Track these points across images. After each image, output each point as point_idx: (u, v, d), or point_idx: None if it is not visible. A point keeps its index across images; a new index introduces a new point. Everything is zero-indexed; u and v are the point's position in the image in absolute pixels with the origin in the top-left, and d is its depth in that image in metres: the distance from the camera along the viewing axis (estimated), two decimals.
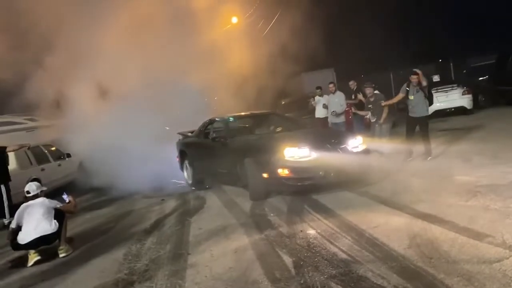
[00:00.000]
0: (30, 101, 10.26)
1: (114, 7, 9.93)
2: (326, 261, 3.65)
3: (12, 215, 5.80)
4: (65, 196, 5.53)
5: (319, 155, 6.02)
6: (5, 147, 7.38)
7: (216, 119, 8.34)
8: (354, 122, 10.06)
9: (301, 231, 4.60)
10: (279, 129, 7.80)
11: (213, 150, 7.60)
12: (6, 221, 6.78)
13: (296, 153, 6.04)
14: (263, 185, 6.29)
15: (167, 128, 9.41)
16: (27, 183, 5.55)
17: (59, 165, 10.04)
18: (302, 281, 3.34)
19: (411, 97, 7.69)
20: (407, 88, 7.76)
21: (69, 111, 10.24)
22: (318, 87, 10.74)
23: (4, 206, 6.98)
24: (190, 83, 10.30)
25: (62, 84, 10.05)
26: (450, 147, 8.45)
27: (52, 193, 6.44)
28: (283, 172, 5.98)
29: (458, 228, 3.94)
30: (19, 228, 5.01)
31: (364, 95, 8.95)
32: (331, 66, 19.60)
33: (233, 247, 4.39)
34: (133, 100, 9.56)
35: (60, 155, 10.26)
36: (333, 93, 10.05)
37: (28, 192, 5.22)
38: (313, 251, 3.94)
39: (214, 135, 7.81)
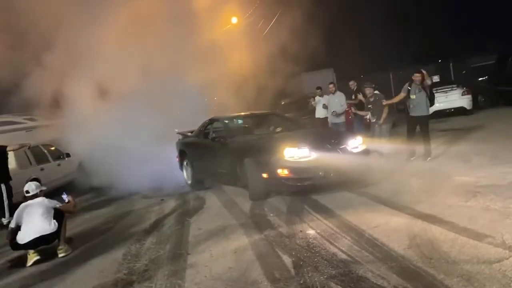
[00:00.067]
0: (29, 101, 10.26)
1: (114, 7, 9.92)
2: (325, 261, 3.65)
3: (12, 214, 5.79)
4: (64, 196, 5.52)
5: (318, 156, 6.02)
6: (6, 146, 7.39)
7: (216, 119, 8.34)
8: (354, 122, 10.06)
9: (301, 231, 4.59)
10: (279, 129, 7.79)
11: (213, 150, 7.60)
12: (5, 221, 6.77)
13: (295, 153, 6.04)
14: (263, 185, 6.29)
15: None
16: (27, 182, 5.55)
17: (59, 165, 10.04)
18: (301, 281, 3.33)
19: (412, 97, 7.68)
20: (409, 88, 7.75)
21: (68, 110, 10.24)
22: (318, 87, 10.75)
23: (4, 206, 6.98)
24: (190, 83, 10.29)
25: (61, 84, 10.03)
26: (450, 147, 8.44)
27: (52, 193, 6.45)
28: (282, 172, 5.98)
29: (458, 229, 3.94)
30: (18, 227, 5.00)
31: (364, 95, 8.95)
32: (331, 66, 19.61)
33: (233, 247, 4.38)
34: (132, 100, 9.55)
35: (60, 155, 10.25)
36: (333, 93, 10.05)
37: (27, 192, 5.22)
38: (313, 251, 3.94)
39: (214, 135, 7.81)
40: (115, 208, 7.74)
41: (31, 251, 4.97)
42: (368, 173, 6.35)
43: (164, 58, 10.14)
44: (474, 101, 14.34)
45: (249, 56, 11.77)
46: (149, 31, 10.41)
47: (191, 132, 8.96)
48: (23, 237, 4.91)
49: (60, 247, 5.06)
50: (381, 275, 3.21)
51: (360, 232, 4.24)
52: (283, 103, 13.54)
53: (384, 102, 8.20)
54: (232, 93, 11.45)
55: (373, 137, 8.11)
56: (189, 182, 8.67)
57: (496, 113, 13.31)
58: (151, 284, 3.79)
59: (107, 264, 4.54)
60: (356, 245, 3.90)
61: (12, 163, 7.96)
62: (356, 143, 6.67)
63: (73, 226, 6.16)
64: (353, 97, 10.04)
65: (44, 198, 5.22)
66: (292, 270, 3.58)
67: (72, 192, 6.42)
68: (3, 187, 7.05)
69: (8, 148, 7.44)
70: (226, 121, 8.09)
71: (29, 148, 8.41)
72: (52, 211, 5.09)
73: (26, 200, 5.17)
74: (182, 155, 8.98)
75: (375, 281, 3.13)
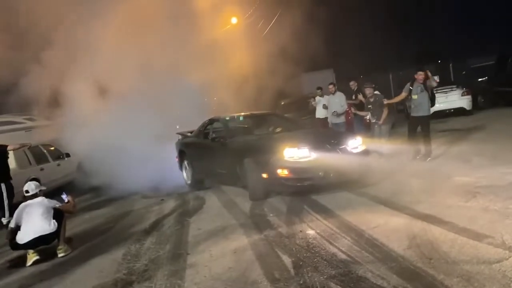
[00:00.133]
0: (28, 101, 10.26)
1: (114, 6, 9.91)
2: (325, 262, 3.65)
3: (11, 214, 5.78)
4: (64, 196, 5.52)
5: (318, 156, 6.02)
6: (6, 146, 7.39)
7: (216, 119, 8.33)
8: (354, 123, 10.06)
9: (301, 231, 4.59)
10: (278, 129, 7.80)
11: (212, 150, 7.60)
12: (5, 220, 6.76)
13: (295, 154, 6.04)
14: (263, 185, 6.29)
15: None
16: (26, 182, 5.54)
17: (58, 165, 10.03)
18: (301, 282, 3.33)
19: (414, 96, 7.66)
20: (411, 87, 7.73)
21: (68, 110, 10.23)
22: (319, 88, 10.76)
23: (4, 205, 6.98)
24: (190, 83, 10.29)
25: (61, 83, 10.02)
26: (449, 148, 8.44)
27: (51, 193, 6.44)
28: (282, 172, 5.98)
29: (457, 229, 3.94)
30: (18, 227, 5.00)
31: (364, 96, 8.95)
32: (331, 67, 19.62)
33: (233, 247, 4.38)
34: (132, 100, 9.55)
35: (59, 155, 10.24)
36: (333, 93, 10.06)
37: (27, 191, 5.21)
38: (313, 251, 3.94)
39: (214, 135, 7.81)
40: (115, 208, 7.74)
41: (30, 251, 4.96)
42: (367, 173, 6.35)
43: (164, 57, 10.14)
44: (474, 101, 14.35)
45: (249, 56, 11.77)
46: (149, 30, 10.40)
47: (191, 132, 8.96)
48: (22, 237, 4.91)
49: (59, 247, 5.06)
50: (381, 275, 3.20)
51: (360, 232, 4.23)
52: (283, 103, 13.54)
53: (386, 102, 8.20)
54: (232, 93, 11.45)
55: (373, 138, 8.11)
56: (189, 182, 8.67)
57: (496, 113, 13.32)
58: (150, 284, 3.79)
59: (106, 264, 4.54)
60: (356, 245, 3.90)
61: (11, 163, 7.95)
62: (355, 143, 6.67)
63: (73, 226, 6.16)
64: (354, 97, 10.05)
65: (43, 198, 5.21)
66: (292, 270, 3.58)
67: (72, 192, 6.41)
68: (3, 186, 7.04)
69: (8, 148, 7.44)
70: (226, 121, 8.08)
71: (29, 148, 8.41)
72: (52, 211, 5.08)
73: (26, 200, 5.16)
74: (181, 155, 8.98)
75: (375, 281, 3.13)
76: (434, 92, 7.90)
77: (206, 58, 10.83)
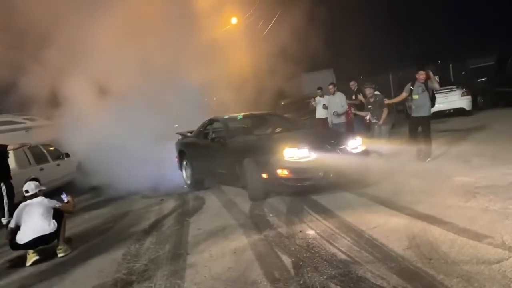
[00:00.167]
0: (28, 100, 10.25)
1: (114, 6, 9.91)
2: (325, 262, 3.65)
3: (11, 214, 5.78)
4: (64, 196, 5.52)
5: (318, 156, 6.01)
6: (6, 146, 7.38)
7: (216, 119, 8.33)
8: (354, 123, 10.06)
9: (300, 231, 4.59)
10: (278, 129, 7.80)
11: (212, 151, 7.60)
12: (5, 220, 6.75)
13: (295, 154, 6.04)
14: (263, 185, 6.29)
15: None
16: (26, 182, 5.54)
17: (58, 165, 10.03)
18: (301, 282, 3.33)
19: (415, 97, 7.64)
20: (411, 87, 7.72)
21: (68, 110, 10.23)
22: (319, 88, 10.78)
23: (3, 205, 6.98)
24: (190, 83, 10.30)
25: (61, 83, 10.03)
26: (449, 148, 8.44)
27: (51, 193, 6.44)
28: (282, 172, 5.97)
29: (457, 229, 3.94)
30: (18, 227, 5.00)
31: (364, 96, 8.95)
32: (331, 67, 19.63)
33: (232, 248, 4.38)
34: (132, 100, 9.55)
35: (59, 155, 10.25)
36: (333, 94, 10.06)
37: (26, 191, 5.21)
38: (313, 251, 3.94)
39: (214, 135, 7.81)
40: (115, 208, 7.73)
41: (30, 251, 4.96)
42: (367, 173, 6.35)
43: (164, 57, 10.14)
44: (474, 102, 14.36)
45: (249, 56, 11.78)
46: (149, 30, 10.41)
47: (191, 132, 8.96)
48: (22, 237, 4.90)
49: (59, 247, 5.06)
50: (380, 276, 3.21)
51: (360, 232, 4.23)
52: (282, 103, 13.55)
53: (386, 101, 8.19)
54: (232, 93, 11.45)
55: (373, 138, 8.11)
56: (189, 182, 8.67)
57: (496, 114, 13.33)
58: (150, 284, 3.79)
59: (106, 264, 4.54)
60: (355, 246, 3.90)
61: (11, 163, 7.95)
62: (355, 143, 6.67)
63: (73, 226, 6.16)
64: (354, 97, 10.05)
65: (43, 197, 5.21)
66: (292, 271, 3.58)
67: (72, 192, 6.39)
68: (3, 186, 7.03)
69: (8, 148, 7.43)
70: (226, 122, 8.09)
71: (29, 148, 8.41)
72: (52, 211, 5.08)
73: (26, 200, 5.16)
74: (181, 155, 8.98)
75: (374, 282, 3.13)
76: (434, 92, 7.90)
77: (206, 58, 10.84)
